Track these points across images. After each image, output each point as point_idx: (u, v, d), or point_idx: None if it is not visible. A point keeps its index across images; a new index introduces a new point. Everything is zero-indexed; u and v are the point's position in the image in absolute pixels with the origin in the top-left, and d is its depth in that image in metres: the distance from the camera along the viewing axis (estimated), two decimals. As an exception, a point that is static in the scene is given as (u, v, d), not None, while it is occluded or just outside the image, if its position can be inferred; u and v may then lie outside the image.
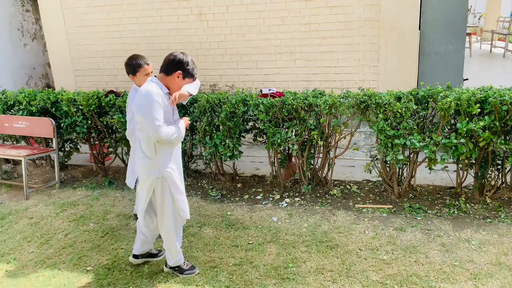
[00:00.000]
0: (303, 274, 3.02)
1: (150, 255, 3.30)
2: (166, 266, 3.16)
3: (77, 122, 5.00)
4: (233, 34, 6.16)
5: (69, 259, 3.39)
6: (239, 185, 4.78)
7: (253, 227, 3.78)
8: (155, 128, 2.65)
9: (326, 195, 4.39)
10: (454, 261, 3.10)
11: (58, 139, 5.22)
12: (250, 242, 3.52)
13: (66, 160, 5.58)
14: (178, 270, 3.10)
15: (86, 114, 4.94)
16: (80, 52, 6.99)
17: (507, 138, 3.75)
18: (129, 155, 4.03)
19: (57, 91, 5.34)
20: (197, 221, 3.94)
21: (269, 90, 4.78)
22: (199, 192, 4.64)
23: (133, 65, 3.41)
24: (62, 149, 5.51)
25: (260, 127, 4.45)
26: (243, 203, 4.34)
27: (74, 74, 7.11)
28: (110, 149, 5.24)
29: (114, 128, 5.00)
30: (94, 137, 5.23)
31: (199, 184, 4.87)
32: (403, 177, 4.30)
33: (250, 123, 4.68)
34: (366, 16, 5.61)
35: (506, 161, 3.85)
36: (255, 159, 5.65)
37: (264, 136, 4.59)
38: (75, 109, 4.96)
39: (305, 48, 5.96)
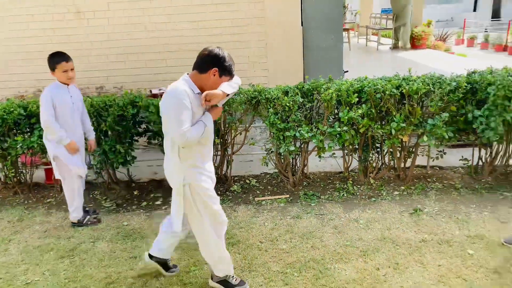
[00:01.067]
0: (206, 276, 2.97)
1: (164, 265, 3.00)
2: (212, 279, 2.87)
3: None
4: (116, 32, 5.82)
5: None
6: (135, 192, 4.54)
7: (153, 234, 3.59)
8: (180, 133, 2.35)
9: (227, 192, 4.40)
10: (346, 242, 3.33)
11: None
12: (150, 250, 3.35)
13: None
14: (224, 284, 2.80)
15: None
16: None
17: (383, 123, 4.14)
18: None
19: None
20: (90, 236, 3.64)
21: (159, 90, 4.62)
22: (91, 204, 4.30)
23: (51, 61, 3.57)
24: None
25: (154, 129, 4.27)
26: (141, 210, 4.13)
27: None
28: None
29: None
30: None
31: (91, 195, 4.51)
32: (296, 167, 4.50)
33: (143, 126, 4.47)
34: (252, 14, 5.72)
35: (383, 144, 4.26)
36: (152, 163, 5.42)
37: (159, 138, 4.42)
38: None
39: (195, 46, 5.81)
